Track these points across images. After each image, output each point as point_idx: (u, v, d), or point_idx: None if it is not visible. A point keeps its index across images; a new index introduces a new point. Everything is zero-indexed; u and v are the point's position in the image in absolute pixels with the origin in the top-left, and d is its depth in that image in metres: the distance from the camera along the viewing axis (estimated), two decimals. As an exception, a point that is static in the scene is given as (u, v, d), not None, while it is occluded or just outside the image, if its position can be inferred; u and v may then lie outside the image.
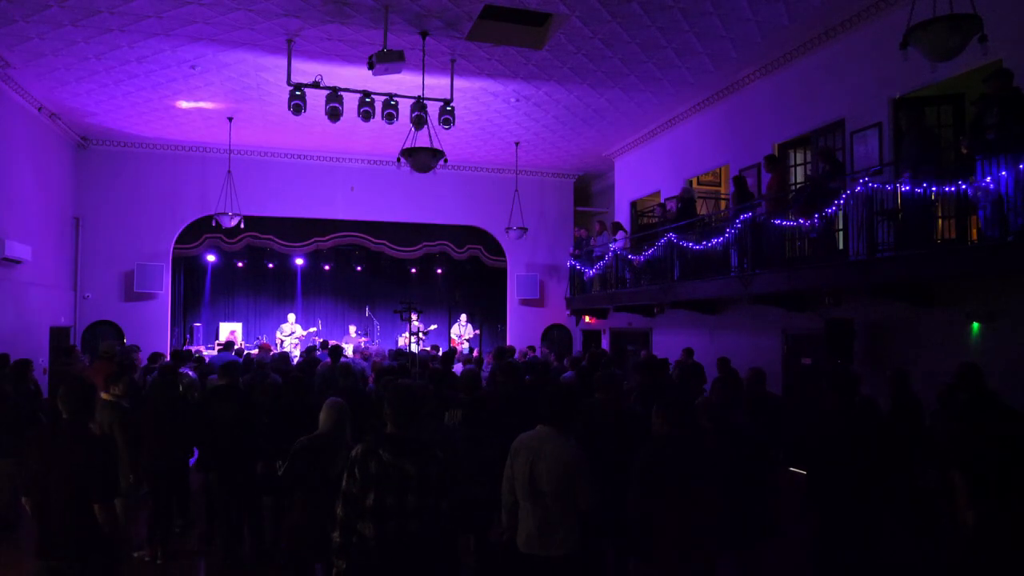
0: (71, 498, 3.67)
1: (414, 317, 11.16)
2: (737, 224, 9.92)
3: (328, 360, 9.25)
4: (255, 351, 12.44)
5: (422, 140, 10.18)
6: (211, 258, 16.75)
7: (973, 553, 2.59)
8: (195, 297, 17.34)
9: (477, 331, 16.94)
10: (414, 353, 9.87)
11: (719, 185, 14.77)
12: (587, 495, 3.77)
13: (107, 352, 8.17)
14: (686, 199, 12.18)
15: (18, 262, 11.37)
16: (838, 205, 8.20)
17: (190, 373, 8.61)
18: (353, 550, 3.36)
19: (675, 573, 4.02)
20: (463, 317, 16.94)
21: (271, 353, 10.68)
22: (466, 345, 16.02)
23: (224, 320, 17.52)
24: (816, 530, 4.72)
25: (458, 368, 10.42)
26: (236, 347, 12.76)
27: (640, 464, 4.10)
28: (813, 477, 4.72)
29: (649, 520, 4.02)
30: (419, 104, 9.93)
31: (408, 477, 3.33)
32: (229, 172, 14.25)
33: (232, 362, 6.82)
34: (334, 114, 9.84)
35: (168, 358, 10.44)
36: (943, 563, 4.88)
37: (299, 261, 17.74)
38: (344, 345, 13.38)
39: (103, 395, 6.08)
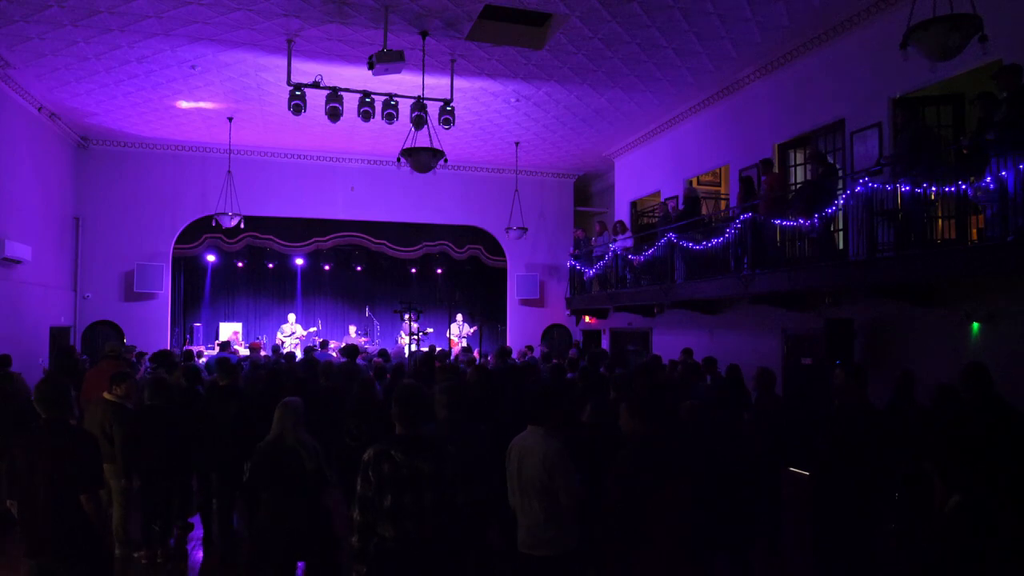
0: (56, 497, 3.71)
1: (412, 319, 11.16)
2: (737, 224, 9.93)
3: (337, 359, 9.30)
4: (247, 352, 12.44)
5: (422, 140, 10.18)
6: (211, 258, 16.74)
7: (947, 542, 2.63)
8: (195, 297, 17.31)
9: (475, 327, 16.90)
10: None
11: (719, 185, 14.76)
12: (569, 491, 3.71)
13: (112, 351, 8.16)
14: (690, 198, 12.17)
15: (18, 262, 11.38)
16: (838, 205, 8.20)
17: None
18: (373, 552, 3.36)
19: (661, 573, 4.01)
20: (459, 316, 16.92)
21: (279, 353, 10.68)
22: (465, 343, 15.99)
23: (224, 320, 17.50)
24: (819, 529, 4.71)
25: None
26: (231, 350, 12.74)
27: (617, 465, 4.09)
28: (821, 475, 4.70)
29: (630, 520, 4.01)
30: (419, 104, 9.93)
31: (423, 475, 3.34)
32: (229, 172, 14.26)
33: (228, 359, 6.79)
34: (334, 114, 9.84)
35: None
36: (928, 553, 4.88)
37: (299, 261, 17.72)
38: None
39: (105, 395, 6.07)
